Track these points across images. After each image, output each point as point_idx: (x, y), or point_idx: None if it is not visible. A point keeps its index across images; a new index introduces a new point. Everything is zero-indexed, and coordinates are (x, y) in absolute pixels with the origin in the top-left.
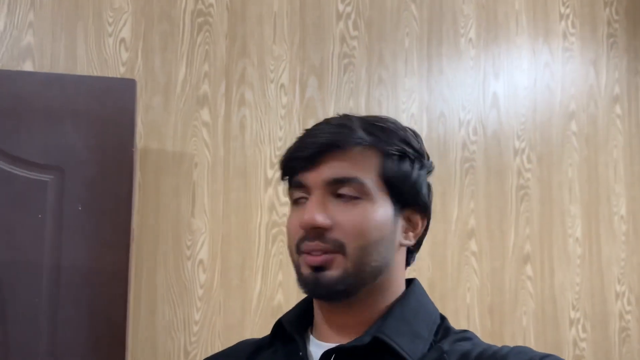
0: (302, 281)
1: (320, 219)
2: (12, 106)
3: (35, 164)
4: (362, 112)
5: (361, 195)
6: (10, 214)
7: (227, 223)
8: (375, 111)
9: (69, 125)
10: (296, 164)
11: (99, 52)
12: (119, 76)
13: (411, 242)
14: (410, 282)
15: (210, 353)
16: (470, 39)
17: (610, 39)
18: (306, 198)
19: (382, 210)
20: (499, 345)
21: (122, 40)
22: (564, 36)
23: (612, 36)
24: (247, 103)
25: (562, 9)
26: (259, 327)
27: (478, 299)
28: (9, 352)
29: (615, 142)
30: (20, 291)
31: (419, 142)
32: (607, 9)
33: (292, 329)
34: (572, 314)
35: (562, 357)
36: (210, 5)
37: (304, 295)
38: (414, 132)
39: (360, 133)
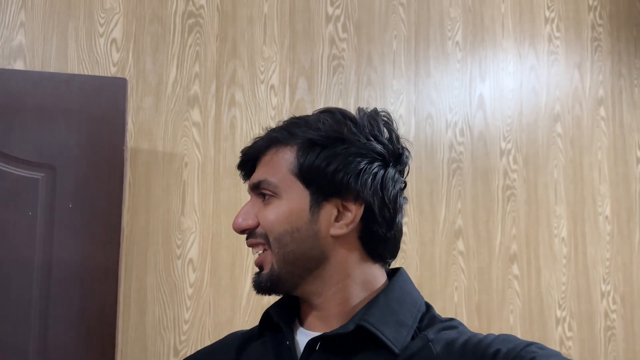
0: (252, 282)
1: (242, 219)
2: (4, 104)
3: (27, 161)
4: None
5: (274, 193)
6: (2, 211)
7: (217, 222)
8: None
9: (61, 123)
10: (242, 177)
11: (90, 52)
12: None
13: (342, 230)
14: (396, 271)
15: None
16: (457, 42)
17: (594, 43)
18: None
19: (294, 203)
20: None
21: (114, 40)
22: (549, 40)
23: (597, 40)
24: (237, 104)
25: (547, 13)
26: (249, 326)
27: (466, 298)
28: (0, 349)
29: (600, 143)
30: (11, 288)
31: (343, 129)
32: (591, 13)
33: (279, 319)
34: (559, 313)
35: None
36: (201, 6)
37: None
38: (353, 116)
39: (278, 135)
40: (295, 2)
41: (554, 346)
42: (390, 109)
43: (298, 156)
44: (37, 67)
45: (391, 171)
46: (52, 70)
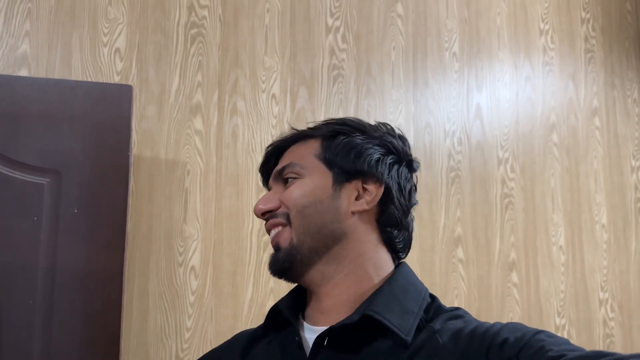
0: (268, 265)
1: (263, 203)
2: (9, 110)
3: (32, 167)
4: None
5: (298, 174)
6: (7, 216)
7: (219, 230)
8: None
9: (66, 129)
10: (263, 174)
11: (94, 61)
12: None
13: (362, 207)
14: (399, 265)
15: None
16: (454, 53)
17: (588, 54)
18: None
19: (318, 180)
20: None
21: (117, 50)
22: (544, 51)
23: (590, 51)
24: (239, 112)
25: (542, 25)
26: None
27: (466, 306)
28: (3, 355)
29: (595, 153)
30: (15, 293)
31: (366, 125)
32: (584, 26)
33: (288, 315)
34: (558, 321)
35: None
36: (204, 17)
37: None
38: (377, 125)
39: (305, 131)
40: (296, 13)
41: None
42: (390, 118)
43: (323, 143)
44: (42, 76)
45: (404, 169)
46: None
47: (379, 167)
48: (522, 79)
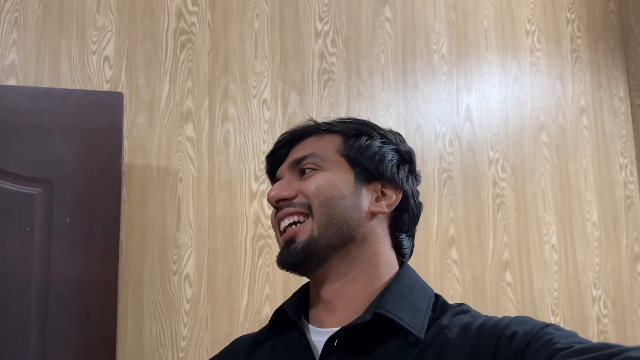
0: (277, 258)
1: (279, 190)
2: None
3: (23, 177)
4: None
5: (319, 167)
6: None
7: (212, 237)
8: None
9: (57, 138)
10: (271, 163)
11: (83, 69)
12: None
13: (382, 208)
14: (401, 266)
15: None
16: (443, 55)
17: (574, 54)
18: None
19: (340, 175)
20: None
21: (106, 58)
22: (531, 51)
23: (576, 51)
24: (230, 118)
25: (528, 26)
26: None
27: None
28: None
29: (584, 151)
30: (9, 304)
31: (385, 130)
32: (570, 26)
33: (294, 317)
34: (552, 319)
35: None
36: (193, 24)
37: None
38: (389, 130)
39: (317, 126)
40: (285, 19)
41: None
42: (381, 121)
43: (345, 140)
44: (30, 85)
45: (415, 180)
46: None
47: (399, 173)
48: (510, 79)
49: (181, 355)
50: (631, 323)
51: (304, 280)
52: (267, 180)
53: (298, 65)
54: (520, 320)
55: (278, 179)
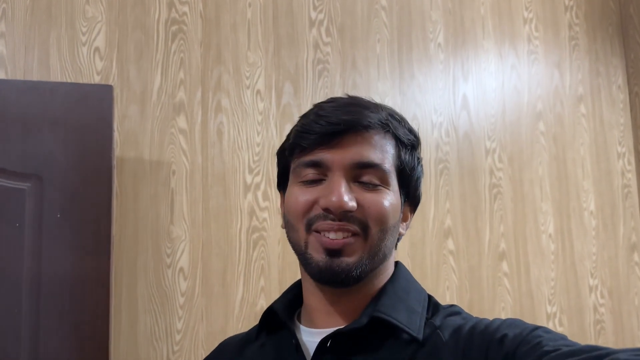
0: (313, 265)
1: (350, 203)
2: None
3: (12, 172)
4: None
5: (381, 183)
6: None
7: (207, 230)
8: None
9: (46, 132)
10: (316, 139)
11: (73, 61)
12: None
13: (404, 230)
14: (395, 264)
15: None
16: (439, 44)
17: (572, 42)
18: (319, 180)
19: (396, 198)
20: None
21: (97, 49)
22: (529, 40)
23: (574, 39)
24: (223, 110)
25: (526, 14)
26: None
27: (457, 297)
28: None
29: (582, 140)
30: None
31: (416, 133)
32: (568, 13)
33: (284, 317)
34: (549, 309)
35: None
36: (184, 13)
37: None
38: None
39: (380, 115)
40: (279, 7)
41: None
42: None
43: (401, 153)
44: (19, 78)
45: None
46: (34, 80)
47: (420, 192)
48: (507, 68)
49: (176, 348)
50: (628, 312)
51: (299, 273)
52: (262, 172)
53: (292, 55)
54: (511, 323)
55: (314, 162)
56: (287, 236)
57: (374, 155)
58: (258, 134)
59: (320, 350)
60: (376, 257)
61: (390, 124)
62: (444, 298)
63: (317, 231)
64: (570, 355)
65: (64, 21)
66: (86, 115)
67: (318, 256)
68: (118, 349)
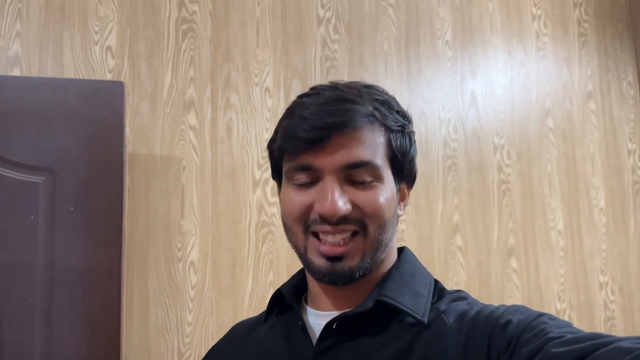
0: (315, 269)
1: (345, 208)
2: (3, 110)
3: (27, 165)
4: None
5: (374, 178)
6: (3, 215)
7: (216, 224)
8: None
9: (60, 127)
10: (301, 146)
11: (86, 59)
12: None
13: (402, 211)
14: (401, 250)
15: (203, 354)
16: (447, 41)
17: (581, 38)
18: (311, 182)
19: (390, 188)
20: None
21: (109, 47)
22: (537, 36)
23: (583, 35)
24: (232, 106)
25: (534, 10)
26: None
27: None
28: (4, 353)
29: (591, 136)
30: (14, 292)
31: (404, 109)
32: (577, 10)
33: (291, 299)
34: (558, 305)
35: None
36: (194, 12)
37: None
38: (394, 98)
39: (366, 108)
40: (287, 6)
41: None
42: None
43: (392, 140)
44: (34, 76)
45: None
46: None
47: (415, 169)
48: (516, 64)
49: (187, 341)
50: (638, 309)
51: None
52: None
53: (300, 52)
54: (516, 309)
55: (304, 167)
56: (286, 236)
57: (363, 153)
58: (267, 130)
59: (326, 332)
60: (378, 251)
61: (377, 115)
62: None
63: (316, 234)
64: (575, 342)
65: (77, 20)
66: (98, 110)
67: (319, 261)
68: (129, 340)
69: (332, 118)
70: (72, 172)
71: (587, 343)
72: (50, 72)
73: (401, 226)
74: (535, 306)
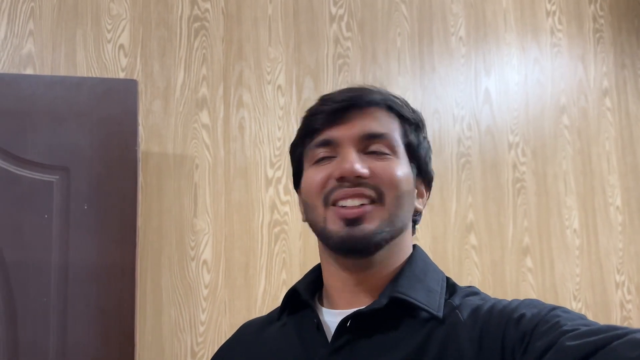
0: (333, 236)
1: (361, 167)
2: (16, 109)
3: (41, 164)
4: None
5: (390, 152)
6: (18, 214)
7: (229, 223)
8: None
9: (73, 126)
10: (323, 118)
11: (99, 58)
12: None
13: (421, 206)
14: (413, 247)
15: None
16: (461, 37)
17: (596, 34)
18: (331, 157)
19: (407, 166)
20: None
21: (121, 46)
22: (552, 32)
23: (598, 31)
24: (245, 105)
25: (549, 6)
26: None
27: None
28: (20, 351)
29: (607, 134)
30: (29, 290)
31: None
32: (592, 6)
33: (307, 296)
34: (574, 304)
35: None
36: (206, 10)
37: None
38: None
39: (382, 96)
40: (299, 3)
41: None
42: None
43: (406, 129)
44: (47, 74)
45: None
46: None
47: (432, 171)
48: (530, 61)
49: (200, 340)
50: None
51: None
52: (283, 167)
53: (312, 50)
54: (529, 303)
55: (325, 141)
56: (308, 220)
57: (379, 127)
58: (279, 128)
59: (341, 329)
60: (394, 223)
61: (392, 103)
62: None
63: (335, 204)
64: (589, 335)
65: (89, 19)
66: (112, 108)
67: (338, 227)
68: (143, 340)
69: (351, 94)
70: (86, 171)
71: (602, 335)
72: (63, 71)
73: None
74: None
